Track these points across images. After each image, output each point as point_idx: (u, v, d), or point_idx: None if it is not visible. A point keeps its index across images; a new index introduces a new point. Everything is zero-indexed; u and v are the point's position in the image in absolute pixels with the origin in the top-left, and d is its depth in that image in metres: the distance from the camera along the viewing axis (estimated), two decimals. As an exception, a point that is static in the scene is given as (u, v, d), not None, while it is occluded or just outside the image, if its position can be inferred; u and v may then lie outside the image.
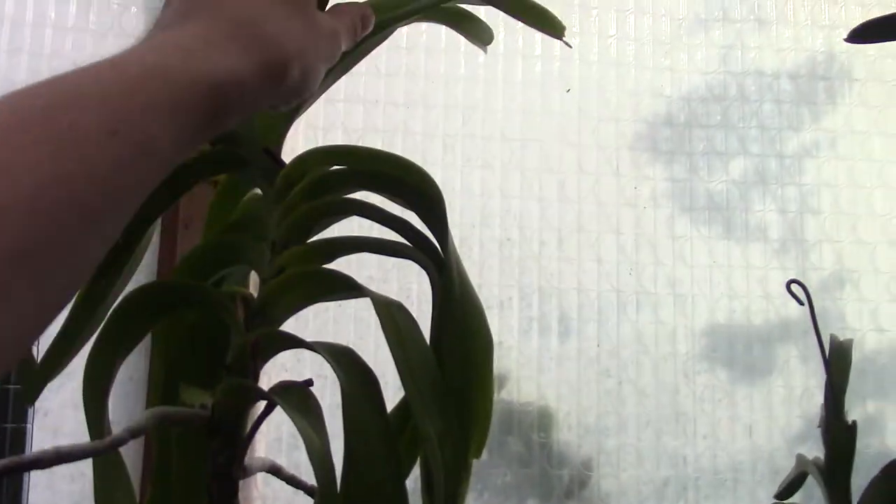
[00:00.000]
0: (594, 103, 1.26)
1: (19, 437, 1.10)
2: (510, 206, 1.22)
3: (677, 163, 1.28)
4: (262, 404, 0.55)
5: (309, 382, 0.53)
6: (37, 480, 1.01)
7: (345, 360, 0.52)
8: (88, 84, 0.33)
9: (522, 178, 1.23)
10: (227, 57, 0.39)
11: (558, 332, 1.20)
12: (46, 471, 1.10)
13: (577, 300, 1.20)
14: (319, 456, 0.47)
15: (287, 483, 0.62)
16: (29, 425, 1.11)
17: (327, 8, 0.51)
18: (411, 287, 1.16)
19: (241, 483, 0.55)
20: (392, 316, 0.54)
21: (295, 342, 0.54)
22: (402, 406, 0.57)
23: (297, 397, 0.52)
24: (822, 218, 1.30)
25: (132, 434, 0.47)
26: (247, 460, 0.56)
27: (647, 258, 1.24)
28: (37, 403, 0.89)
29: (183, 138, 0.36)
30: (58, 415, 1.11)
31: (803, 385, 1.24)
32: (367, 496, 0.48)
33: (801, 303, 0.73)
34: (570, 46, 1.05)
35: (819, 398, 1.21)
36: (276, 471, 0.61)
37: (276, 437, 1.12)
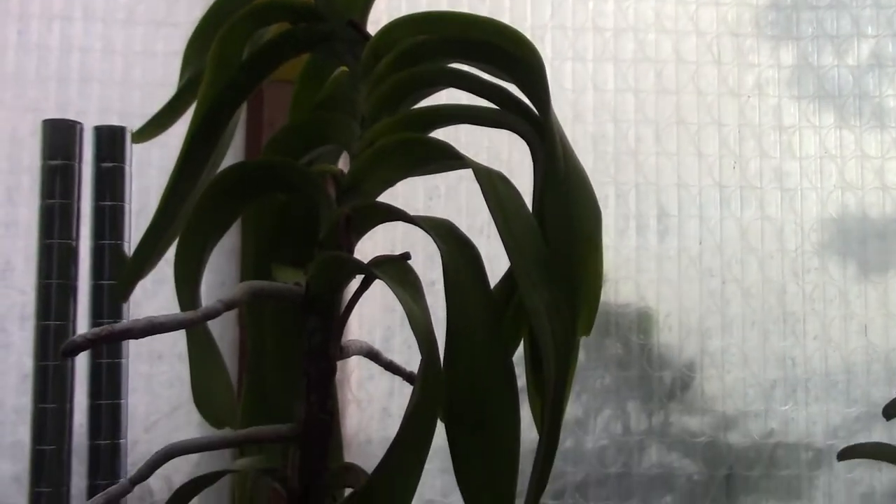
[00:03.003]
0: (692, -13, 1.18)
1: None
2: (604, 100, 1.16)
3: (784, 48, 1.19)
4: (356, 286, 0.52)
5: (406, 256, 0.50)
6: (135, 385, 1.02)
7: (445, 233, 0.49)
8: None
9: (616, 70, 1.16)
10: None
11: (657, 231, 1.15)
12: (144, 375, 1.13)
13: (677, 196, 1.15)
14: (422, 327, 0.44)
15: (385, 369, 0.60)
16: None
17: None
18: (500, 165, 1.13)
19: (337, 365, 0.52)
20: (494, 185, 0.50)
21: (392, 214, 0.50)
22: (505, 281, 0.53)
23: (396, 270, 0.48)
24: (947, 101, 1.21)
25: (226, 306, 0.45)
26: (343, 342, 0.53)
27: (751, 151, 1.17)
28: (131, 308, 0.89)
29: None
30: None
31: (923, 281, 1.17)
32: (472, 369, 0.45)
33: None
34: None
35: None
36: (374, 356, 0.59)
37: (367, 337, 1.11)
